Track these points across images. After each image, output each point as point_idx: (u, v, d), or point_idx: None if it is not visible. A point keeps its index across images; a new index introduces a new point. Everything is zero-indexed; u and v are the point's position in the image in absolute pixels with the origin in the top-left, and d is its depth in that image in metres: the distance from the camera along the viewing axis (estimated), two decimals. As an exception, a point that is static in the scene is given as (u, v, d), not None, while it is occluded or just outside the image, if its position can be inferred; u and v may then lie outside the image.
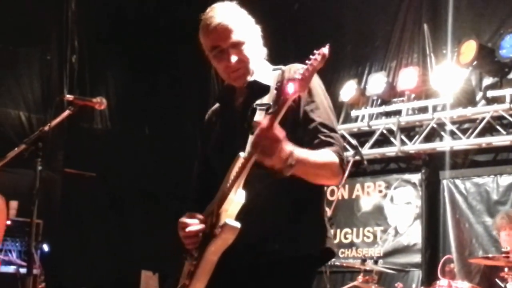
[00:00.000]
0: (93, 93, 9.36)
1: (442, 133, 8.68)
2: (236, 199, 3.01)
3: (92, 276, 9.17)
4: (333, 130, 3.19)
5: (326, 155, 3.08)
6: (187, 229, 3.19)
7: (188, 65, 10.74)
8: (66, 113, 5.14)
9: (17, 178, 7.84)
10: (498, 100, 8.30)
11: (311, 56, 2.89)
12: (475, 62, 8.26)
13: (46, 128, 4.87)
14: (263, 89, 3.28)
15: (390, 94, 9.12)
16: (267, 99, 3.22)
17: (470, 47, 8.29)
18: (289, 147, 2.87)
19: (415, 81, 8.80)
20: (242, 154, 3.05)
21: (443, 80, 8.53)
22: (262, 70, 3.34)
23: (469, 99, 8.55)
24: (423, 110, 8.82)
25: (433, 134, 8.82)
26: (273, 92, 3.21)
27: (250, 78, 3.31)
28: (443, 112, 8.66)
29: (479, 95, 8.54)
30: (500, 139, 8.29)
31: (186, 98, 10.98)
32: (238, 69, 3.27)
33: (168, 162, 10.52)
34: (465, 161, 8.65)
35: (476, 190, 8.38)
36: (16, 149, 4.86)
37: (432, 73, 8.78)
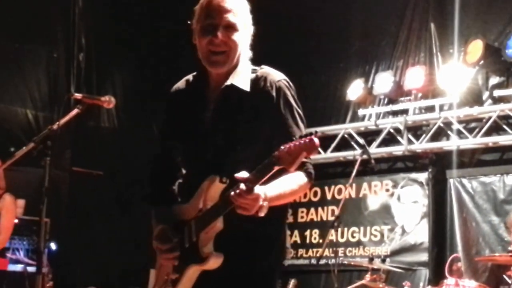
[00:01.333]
0: (100, 91, 9.41)
1: (449, 132, 8.69)
2: (219, 225, 3.14)
3: (99, 275, 9.18)
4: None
5: (294, 181, 3.13)
6: (164, 256, 3.33)
7: (195, 64, 10.75)
8: (75, 111, 5.10)
9: (24, 176, 7.85)
10: (505, 99, 8.31)
11: (301, 140, 2.82)
12: (481, 62, 8.27)
13: (55, 126, 4.84)
14: (239, 94, 3.23)
15: (397, 93, 9.12)
16: (239, 108, 3.21)
17: (476, 47, 8.29)
18: (262, 191, 2.91)
19: (422, 80, 8.81)
20: (217, 180, 3.10)
21: (450, 79, 8.54)
22: (241, 72, 3.29)
23: (475, 98, 8.56)
24: (430, 109, 8.83)
25: (440, 133, 8.82)
26: (246, 99, 3.21)
27: (227, 82, 3.25)
28: (450, 111, 8.67)
29: (486, 94, 8.55)
30: (507, 138, 8.30)
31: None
32: (220, 51, 3.22)
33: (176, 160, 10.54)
34: (472, 160, 8.65)
35: (482, 189, 8.38)
36: (24, 147, 4.85)
37: (439, 72, 8.79)
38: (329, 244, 8.02)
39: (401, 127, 8.90)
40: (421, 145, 8.83)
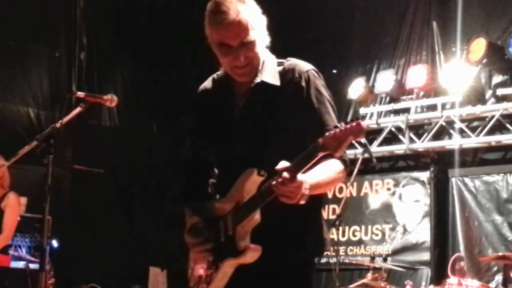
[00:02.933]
0: (101, 90, 9.43)
1: (451, 131, 8.69)
2: (257, 218, 3.11)
3: (100, 272, 9.21)
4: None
5: (332, 169, 3.12)
6: (196, 249, 3.33)
7: (196, 63, 10.76)
8: (77, 110, 5.13)
9: (26, 174, 7.88)
10: (508, 98, 8.30)
11: (347, 124, 2.82)
12: (484, 60, 8.26)
13: (58, 125, 4.86)
14: (269, 88, 3.23)
15: (399, 91, 9.12)
16: (273, 101, 3.21)
17: (479, 45, 8.28)
18: (303, 179, 2.91)
19: (424, 78, 8.81)
20: (255, 173, 3.08)
21: (452, 78, 8.54)
22: (268, 67, 3.28)
23: (478, 97, 8.54)
24: (432, 108, 8.83)
25: (442, 132, 8.82)
26: (277, 93, 3.21)
27: (257, 79, 3.24)
28: (452, 110, 8.65)
29: (489, 93, 8.54)
30: (510, 137, 8.29)
31: (193, 94, 11.00)
32: (244, 66, 3.19)
33: (176, 158, 10.54)
34: (474, 159, 8.65)
35: (485, 188, 8.38)
36: (27, 146, 4.87)
37: (441, 71, 8.79)
38: (330, 243, 8.00)
39: (403, 126, 8.89)
40: (423, 144, 8.82)
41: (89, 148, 9.66)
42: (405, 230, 8.90)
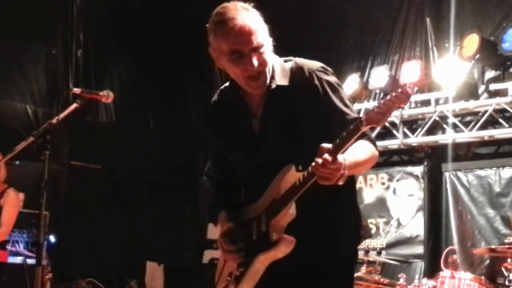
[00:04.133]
0: (98, 87, 9.47)
1: (445, 126, 8.74)
2: (292, 212, 3.06)
3: (97, 267, 9.28)
4: (358, 119, 3.12)
5: (367, 149, 3.14)
6: (228, 256, 3.32)
7: (192, 59, 10.84)
8: (73, 106, 5.16)
9: (23, 170, 7.94)
10: (501, 93, 8.33)
11: (392, 92, 2.84)
12: (477, 56, 8.28)
13: (54, 121, 4.90)
14: (283, 91, 3.23)
15: (393, 87, 9.08)
16: (289, 103, 3.22)
17: (472, 41, 8.31)
18: (342, 159, 2.91)
19: (418, 74, 8.81)
20: (293, 169, 3.09)
21: (445, 73, 8.56)
22: (277, 68, 3.28)
23: (471, 92, 8.58)
24: (426, 103, 8.87)
25: (436, 127, 8.87)
26: (290, 94, 3.21)
27: (272, 85, 3.23)
28: (446, 105, 8.70)
29: (482, 88, 8.57)
30: (503, 132, 8.34)
31: (190, 91, 11.08)
32: (258, 74, 3.17)
33: (173, 154, 10.63)
34: (468, 153, 8.70)
35: (478, 183, 8.43)
36: (24, 142, 4.92)
37: (435, 67, 8.82)
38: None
39: (397, 121, 8.94)
40: (417, 138, 8.88)
41: (86, 144, 9.74)
42: (399, 224, 8.97)
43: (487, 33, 8.50)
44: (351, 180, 3.25)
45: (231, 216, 3.40)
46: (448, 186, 8.64)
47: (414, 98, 8.95)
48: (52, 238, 8.44)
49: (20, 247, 7.85)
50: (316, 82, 3.23)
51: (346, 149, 2.92)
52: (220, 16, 3.14)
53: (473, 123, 8.51)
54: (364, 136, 3.11)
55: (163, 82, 10.59)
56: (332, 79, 3.28)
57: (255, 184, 3.34)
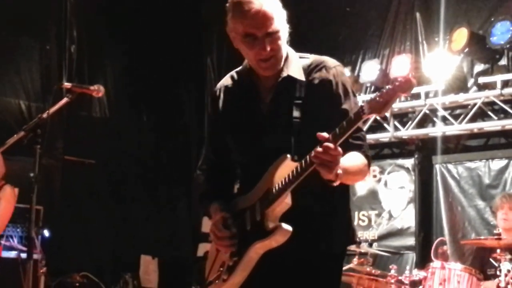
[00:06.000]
0: (92, 82, 9.40)
1: (435, 119, 8.80)
2: (287, 201, 3.07)
3: (92, 261, 9.32)
4: (361, 130, 3.29)
5: (359, 161, 3.19)
6: (221, 243, 3.31)
7: (186, 53, 10.89)
8: (64, 100, 5.20)
9: (18, 165, 7.96)
10: (489, 86, 8.41)
11: (393, 81, 2.88)
12: (466, 49, 8.34)
13: (45, 115, 4.94)
14: (295, 82, 3.29)
15: (383, 81, 9.18)
16: (299, 94, 3.27)
17: (461, 35, 8.37)
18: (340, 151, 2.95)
19: (408, 68, 8.86)
20: (289, 158, 3.11)
21: (435, 67, 8.62)
22: (291, 61, 3.34)
23: (460, 86, 8.66)
24: (416, 96, 8.92)
25: (426, 120, 8.94)
26: (303, 88, 3.27)
27: (283, 74, 3.29)
28: (435, 98, 8.77)
29: (471, 81, 8.65)
30: (491, 124, 8.43)
31: (183, 85, 11.13)
32: (269, 58, 3.23)
33: (166, 148, 10.69)
34: (457, 146, 8.78)
35: (468, 174, 8.52)
36: (15, 135, 4.95)
37: (425, 60, 8.88)
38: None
39: (388, 114, 8.96)
40: (407, 131, 8.95)
41: (80, 139, 9.76)
42: (390, 216, 9.04)
43: (476, 27, 8.57)
44: (344, 194, 3.38)
45: (223, 207, 3.40)
46: (439, 178, 8.72)
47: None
48: (46, 233, 8.48)
49: (14, 242, 7.89)
50: (331, 78, 3.30)
51: (346, 138, 2.95)
52: None
53: (462, 116, 8.59)
54: (360, 149, 3.22)
55: (156, 77, 10.63)
56: (347, 80, 3.36)
57: (250, 171, 3.37)
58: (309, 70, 3.32)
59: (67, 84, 5.38)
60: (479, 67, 8.65)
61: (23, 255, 7.43)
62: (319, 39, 9.87)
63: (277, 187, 3.10)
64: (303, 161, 3.02)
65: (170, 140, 10.77)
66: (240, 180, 3.51)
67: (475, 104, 8.46)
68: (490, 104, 8.46)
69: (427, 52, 8.94)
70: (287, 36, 3.32)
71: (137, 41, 10.41)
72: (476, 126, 8.53)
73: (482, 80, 8.46)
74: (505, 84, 8.27)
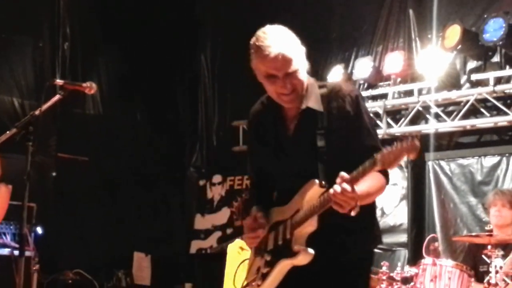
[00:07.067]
0: (85, 79, 9.41)
1: (427, 115, 8.81)
2: (314, 225, 3.44)
3: (85, 258, 9.34)
4: (378, 148, 3.47)
5: (378, 181, 3.47)
6: (252, 234, 3.70)
7: (179, 51, 10.90)
8: (57, 97, 5.20)
9: (12, 163, 7.96)
10: (482, 83, 8.41)
11: (403, 140, 3.17)
12: (459, 46, 8.34)
13: (37, 112, 4.95)
14: (315, 113, 3.55)
15: (377, 78, 9.23)
16: (321, 124, 3.53)
17: (454, 32, 8.38)
18: (356, 191, 3.23)
19: (401, 65, 8.89)
20: (317, 184, 3.43)
21: (428, 64, 8.63)
22: (311, 92, 3.59)
23: (453, 83, 8.66)
24: (409, 93, 8.95)
25: (419, 117, 8.94)
26: (323, 118, 3.54)
27: (302, 106, 3.56)
28: (428, 95, 8.76)
29: (464, 78, 8.65)
30: (484, 121, 8.43)
31: (177, 83, 11.15)
32: (290, 93, 3.50)
33: (160, 146, 10.70)
34: (450, 143, 8.79)
35: (460, 171, 8.53)
36: (7, 132, 4.95)
37: (418, 57, 8.89)
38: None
39: (380, 111, 9.00)
40: (400, 128, 8.94)
41: (73, 137, 9.79)
42: (383, 213, 9.03)
43: (469, 24, 8.58)
44: (370, 208, 3.61)
45: (261, 211, 3.75)
46: (431, 175, 8.73)
47: (397, 88, 9.04)
48: (39, 230, 8.48)
49: (7, 239, 7.90)
50: (348, 107, 3.55)
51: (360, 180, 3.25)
52: (259, 41, 3.47)
53: (455, 113, 8.59)
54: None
55: (150, 74, 10.65)
56: (364, 106, 3.62)
57: (284, 189, 3.70)
58: (327, 100, 3.58)
59: (59, 81, 5.41)
60: (472, 64, 8.66)
61: (16, 252, 7.44)
62: (312, 36, 9.88)
63: (305, 211, 3.45)
64: (325, 195, 3.33)
65: (164, 137, 10.79)
66: (277, 191, 3.82)
67: (467, 101, 8.46)
68: (483, 101, 8.46)
69: (420, 49, 8.95)
70: (306, 68, 3.57)
71: (130, 38, 10.43)
72: (469, 123, 8.54)
73: (474, 77, 8.47)
74: (498, 81, 8.28)
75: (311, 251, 3.43)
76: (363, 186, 3.30)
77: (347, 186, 3.18)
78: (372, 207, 3.65)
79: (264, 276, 3.61)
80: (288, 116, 3.66)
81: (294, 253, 3.46)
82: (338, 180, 3.22)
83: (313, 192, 3.45)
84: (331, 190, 3.24)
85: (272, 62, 3.42)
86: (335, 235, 3.51)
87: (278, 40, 3.44)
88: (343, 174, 3.21)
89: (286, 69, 3.44)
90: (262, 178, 3.86)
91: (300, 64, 3.50)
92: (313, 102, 3.56)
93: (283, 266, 3.53)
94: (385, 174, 3.49)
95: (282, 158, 3.66)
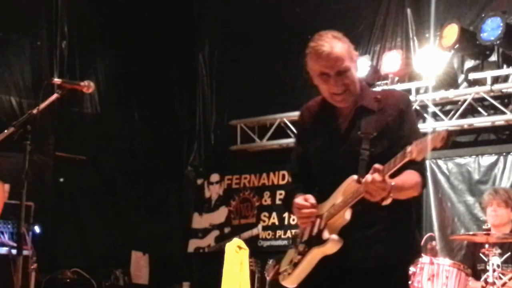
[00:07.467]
0: (83, 78, 9.43)
1: (425, 114, 8.83)
2: (346, 217, 3.59)
3: (83, 257, 9.34)
4: None
5: (413, 177, 3.59)
6: (303, 211, 3.77)
7: (177, 49, 10.91)
8: (54, 96, 5.19)
9: (9, 161, 7.97)
10: (479, 82, 8.44)
11: (430, 135, 3.31)
12: (457, 45, 8.37)
13: (35, 111, 4.94)
14: (367, 112, 3.72)
15: (374, 77, 9.21)
16: (370, 124, 3.68)
17: (452, 31, 8.40)
18: (389, 181, 3.39)
19: (399, 64, 8.89)
20: (355, 180, 3.56)
21: (425, 63, 8.65)
22: (364, 94, 3.77)
23: (451, 82, 8.69)
24: (406, 92, 8.92)
25: (416, 116, 8.93)
26: (375, 117, 3.69)
27: (357, 104, 3.73)
28: (426, 94, 8.79)
29: (461, 77, 8.68)
30: (481, 120, 8.46)
31: (175, 82, 11.15)
32: (342, 92, 3.68)
33: (157, 144, 10.70)
34: (447, 142, 8.77)
35: (458, 170, 8.53)
36: (5, 131, 4.95)
37: (415, 57, 8.91)
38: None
39: (379, 111, 9.00)
40: (398, 127, 8.94)
41: (71, 135, 9.79)
42: (381, 212, 9.04)
43: (466, 23, 8.60)
44: (407, 205, 3.73)
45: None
46: (429, 174, 8.67)
47: (395, 87, 9.01)
48: (37, 229, 8.48)
49: (5, 238, 7.91)
50: (399, 111, 3.71)
51: (394, 171, 3.41)
52: (314, 42, 3.72)
53: (452, 112, 8.62)
54: (416, 165, 3.54)
55: (148, 73, 10.64)
56: (412, 110, 3.85)
57: (325, 186, 3.81)
58: (380, 100, 3.75)
59: (57, 80, 5.40)
60: (469, 63, 8.69)
61: (14, 251, 7.44)
62: (309, 35, 9.89)
63: (339, 203, 3.62)
64: (358, 186, 3.49)
65: (161, 136, 10.79)
66: (318, 188, 3.91)
67: (465, 100, 8.49)
68: (480, 100, 8.49)
69: (418, 48, 8.96)
70: (357, 71, 3.79)
71: (128, 36, 10.42)
72: (466, 122, 8.57)
73: (472, 76, 8.50)
74: (495, 80, 8.32)
75: (339, 239, 3.58)
76: (398, 179, 3.46)
77: (377, 176, 3.34)
78: (407, 216, 3.77)
79: (295, 265, 3.76)
80: (341, 115, 3.81)
81: (324, 241, 3.61)
82: (371, 171, 3.39)
83: (350, 187, 3.59)
84: (362, 180, 3.42)
85: (324, 60, 3.64)
86: (363, 233, 3.65)
87: (331, 41, 3.69)
88: (376, 165, 3.39)
89: (337, 67, 3.63)
90: (307, 174, 3.97)
91: (352, 65, 3.71)
92: (367, 101, 3.74)
93: (314, 255, 3.66)
94: (422, 174, 3.63)
95: (328, 155, 3.80)
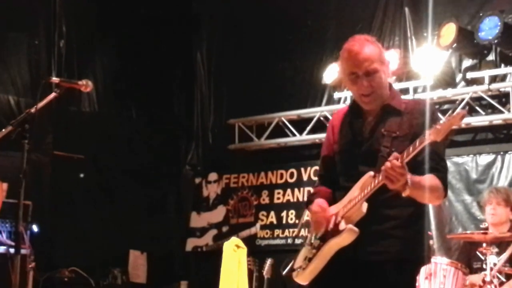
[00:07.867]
0: (81, 77, 9.43)
1: (423, 114, 8.81)
2: (363, 209, 3.71)
3: (81, 256, 9.32)
4: (442, 159, 3.86)
5: (433, 181, 3.71)
6: (320, 215, 3.90)
7: (175, 48, 10.91)
8: (52, 95, 5.21)
9: (7, 160, 7.98)
10: (477, 81, 8.45)
11: (449, 115, 3.46)
12: (454, 45, 8.37)
13: (33, 110, 4.95)
14: (394, 112, 3.85)
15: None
16: (395, 124, 3.81)
17: (450, 30, 8.41)
18: (408, 174, 3.51)
19: (396, 63, 8.86)
20: (371, 176, 3.70)
21: (423, 62, 8.64)
22: (393, 96, 3.92)
23: (449, 81, 8.70)
24: (404, 91, 8.88)
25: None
26: (402, 118, 3.82)
27: (385, 102, 3.86)
28: (424, 93, 8.78)
29: (459, 76, 8.70)
30: (479, 120, 8.47)
31: (173, 81, 11.15)
32: (369, 94, 3.82)
33: (155, 144, 10.70)
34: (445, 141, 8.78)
35: (455, 169, 8.53)
36: (3, 130, 4.96)
37: (413, 56, 8.90)
38: (304, 224, 8.20)
39: (376, 110, 9.00)
40: (396, 126, 8.94)
41: (69, 134, 9.78)
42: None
43: (464, 22, 8.61)
44: (421, 205, 3.81)
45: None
46: (427, 173, 8.72)
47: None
48: (35, 228, 8.48)
49: (3, 237, 7.91)
50: (424, 115, 3.80)
51: (413, 156, 3.52)
52: (346, 44, 3.90)
53: (450, 111, 8.59)
54: (437, 171, 3.74)
55: (146, 72, 10.64)
56: (437, 117, 3.89)
57: (347, 181, 3.92)
58: (408, 105, 3.89)
59: (55, 79, 5.43)
60: (467, 62, 8.70)
61: (12, 250, 7.44)
62: (308, 34, 9.91)
63: (356, 197, 3.73)
64: (379, 177, 3.61)
65: (159, 135, 10.79)
66: (340, 184, 4.01)
67: (463, 99, 8.50)
68: (478, 99, 8.50)
69: (416, 47, 8.96)
70: (389, 78, 3.93)
71: (126, 35, 10.42)
72: (464, 121, 8.41)
73: (470, 75, 8.51)
74: (493, 79, 8.33)
75: (354, 228, 3.67)
76: (420, 177, 3.60)
77: (396, 162, 3.45)
78: (419, 218, 3.84)
79: (310, 260, 3.87)
80: (369, 116, 3.92)
81: (340, 232, 3.72)
82: (390, 157, 3.52)
83: (367, 182, 3.70)
84: (382, 167, 3.52)
85: (353, 60, 3.79)
86: (378, 228, 3.74)
87: (362, 42, 3.83)
88: (395, 153, 3.52)
89: (366, 67, 3.76)
90: (329, 175, 4.10)
91: (382, 68, 3.81)
92: (395, 102, 3.88)
93: (330, 247, 3.77)
94: (443, 183, 3.75)
95: (350, 152, 3.93)
